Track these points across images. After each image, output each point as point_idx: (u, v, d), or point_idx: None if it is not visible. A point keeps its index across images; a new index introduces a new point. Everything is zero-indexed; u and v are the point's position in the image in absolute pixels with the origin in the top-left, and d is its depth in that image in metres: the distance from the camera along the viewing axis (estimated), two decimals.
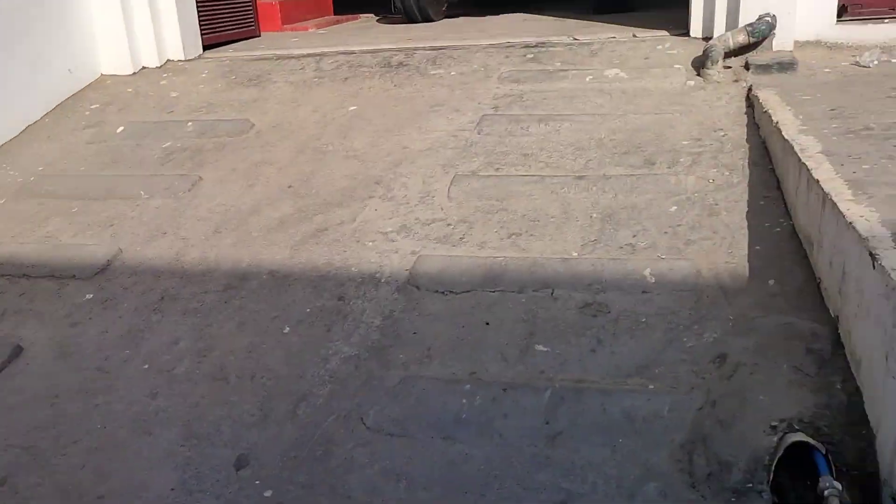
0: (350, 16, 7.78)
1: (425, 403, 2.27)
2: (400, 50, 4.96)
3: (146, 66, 5.18)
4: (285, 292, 2.83)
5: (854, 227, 1.98)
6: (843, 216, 2.07)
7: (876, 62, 3.81)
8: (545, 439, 2.11)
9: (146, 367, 2.56)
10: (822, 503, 1.74)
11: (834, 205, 2.18)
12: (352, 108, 4.27)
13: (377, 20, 7.56)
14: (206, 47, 5.56)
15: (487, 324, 2.56)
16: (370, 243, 3.06)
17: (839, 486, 1.75)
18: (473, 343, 2.48)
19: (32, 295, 3.02)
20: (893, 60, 3.87)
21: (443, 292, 2.73)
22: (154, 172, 3.87)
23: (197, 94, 4.72)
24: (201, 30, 5.53)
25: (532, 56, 4.64)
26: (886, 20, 4.20)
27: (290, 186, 3.55)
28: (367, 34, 6.20)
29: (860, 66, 3.84)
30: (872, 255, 1.82)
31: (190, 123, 4.29)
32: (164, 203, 3.55)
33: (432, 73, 4.60)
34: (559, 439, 2.11)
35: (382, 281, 2.83)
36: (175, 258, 3.13)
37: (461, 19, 6.86)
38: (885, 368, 1.73)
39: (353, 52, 5.00)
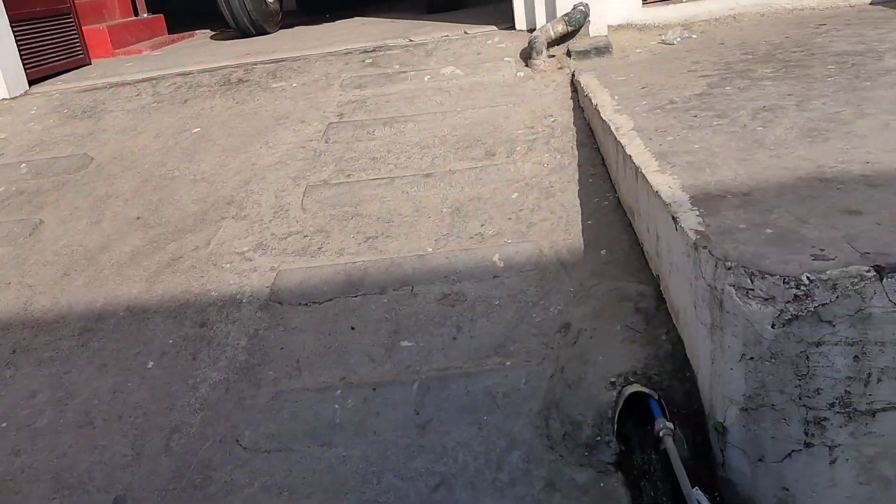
0: (185, 34, 7.57)
1: (299, 415, 2.33)
2: (239, 66, 4.92)
3: None
4: (145, 327, 2.80)
5: (659, 195, 2.23)
6: (651, 186, 2.32)
7: (679, 39, 4.20)
8: (417, 429, 2.24)
9: (4, 425, 2.46)
10: (659, 443, 1.96)
11: (644, 176, 2.42)
12: (195, 130, 4.21)
13: (212, 37, 7.40)
14: (32, 82, 5.28)
15: (353, 328, 2.65)
16: (228, 265, 3.06)
17: (671, 425, 1.98)
18: (341, 349, 2.57)
19: None
20: (693, 36, 4.28)
21: (306, 304, 2.79)
22: None
23: (28, 133, 4.49)
24: (25, 64, 5.24)
25: (371, 61, 4.75)
26: (685, 0, 4.63)
27: (138, 218, 3.48)
28: (204, 52, 6.08)
29: (666, 43, 4.22)
30: (674, 219, 2.06)
31: (23, 165, 4.08)
32: (3, 252, 3.38)
33: (274, 86, 4.61)
34: (430, 426, 2.24)
35: (244, 301, 2.85)
36: (23, 308, 3.00)
37: (297, 29, 6.84)
38: (695, 316, 1.98)
39: (190, 73, 4.91)
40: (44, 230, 3.51)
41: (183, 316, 2.82)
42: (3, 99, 5.00)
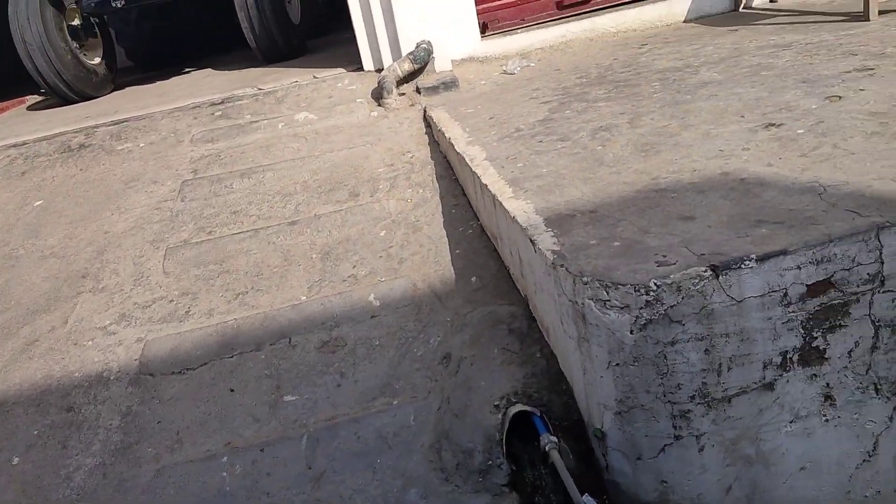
0: (14, 100, 7.09)
1: (185, 489, 2.24)
2: (79, 130, 4.68)
3: None
4: (6, 420, 2.60)
5: (516, 220, 2.35)
6: (508, 212, 2.43)
7: (519, 69, 4.44)
8: (311, 483, 2.21)
9: None
10: (547, 457, 2.05)
11: (501, 203, 2.54)
12: (37, 203, 3.97)
13: (46, 101, 6.96)
14: None
15: (232, 390, 2.58)
16: (90, 342, 2.90)
17: (555, 438, 2.07)
18: (222, 413, 2.49)
19: None
20: (532, 64, 4.53)
21: (180, 371, 2.70)
22: None
23: None
24: None
25: (220, 113, 4.67)
26: (520, 31, 4.90)
27: None
28: (39, 118, 5.72)
29: (507, 73, 4.44)
30: (532, 241, 2.18)
31: None
32: None
33: (119, 148, 4.43)
34: (324, 478, 2.22)
35: (112, 378, 2.71)
36: None
37: (136, 88, 6.40)
38: (563, 331, 2.09)
39: (25, 143, 4.62)
40: None
41: (46, 403, 2.64)
42: None
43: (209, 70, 6.52)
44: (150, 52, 7.68)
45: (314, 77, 4.96)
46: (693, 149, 2.62)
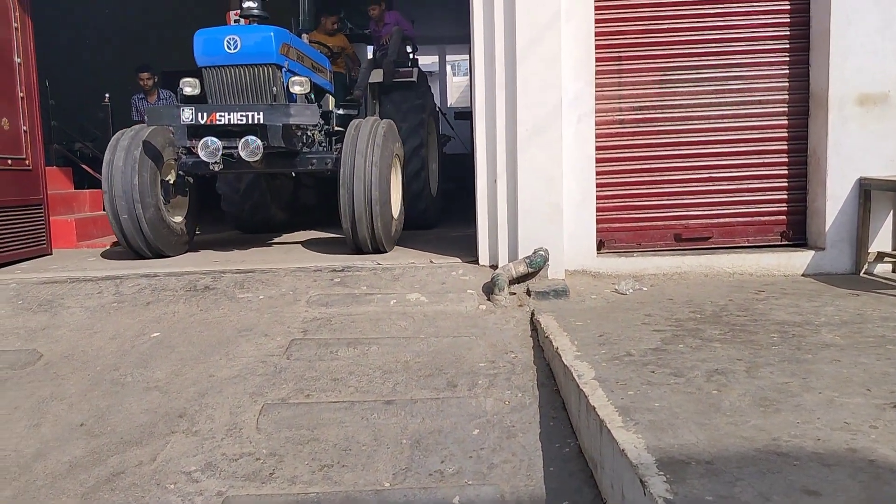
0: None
1: None
2: (207, 273, 5.01)
3: None
4: None
5: (626, 455, 2.28)
6: (617, 443, 2.37)
7: (631, 290, 4.51)
8: None
9: None
10: None
11: (608, 431, 2.49)
12: (154, 334, 4.18)
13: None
14: None
15: None
16: (172, 485, 2.91)
17: None
18: None
19: None
20: (644, 289, 4.60)
21: None
22: None
23: None
24: None
25: (339, 280, 4.91)
26: (636, 254, 5.04)
27: (82, 424, 3.33)
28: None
29: (619, 293, 4.52)
30: (643, 483, 2.10)
31: None
32: None
33: (240, 296, 4.68)
34: None
35: None
36: None
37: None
38: None
39: (156, 275, 4.97)
40: None
41: None
42: None
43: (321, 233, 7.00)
44: (252, 220, 7.46)
45: (431, 261, 5.20)
46: (815, 414, 2.53)
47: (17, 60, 5.81)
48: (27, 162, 5.91)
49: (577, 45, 4.82)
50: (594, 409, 2.70)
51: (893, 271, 4.86)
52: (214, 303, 4.59)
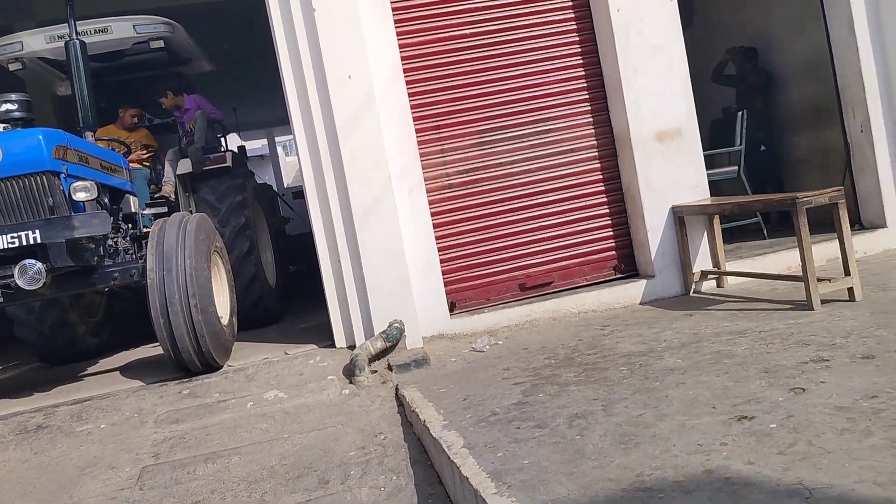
0: None
1: None
2: (37, 410, 4.53)
3: None
4: None
5: None
6: None
7: (488, 346, 4.59)
8: None
9: None
10: None
11: (483, 500, 2.47)
12: None
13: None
14: None
15: None
16: None
17: None
18: None
19: None
20: (500, 343, 4.69)
21: None
22: None
23: None
24: None
25: (188, 391, 4.61)
26: (486, 310, 5.16)
27: None
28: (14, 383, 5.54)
29: (476, 350, 4.58)
30: None
31: None
32: None
33: (79, 430, 4.26)
34: None
35: None
36: None
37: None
38: None
39: None
40: None
41: None
42: None
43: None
44: (55, 346, 6.24)
45: (285, 353, 5.03)
46: (671, 442, 2.65)
47: None
48: None
49: (396, 121, 4.95)
50: (467, 479, 2.68)
51: (718, 286, 5.28)
52: (50, 442, 4.16)
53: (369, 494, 3.31)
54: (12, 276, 4.29)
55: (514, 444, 2.92)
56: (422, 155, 5.09)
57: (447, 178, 5.23)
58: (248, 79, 10.53)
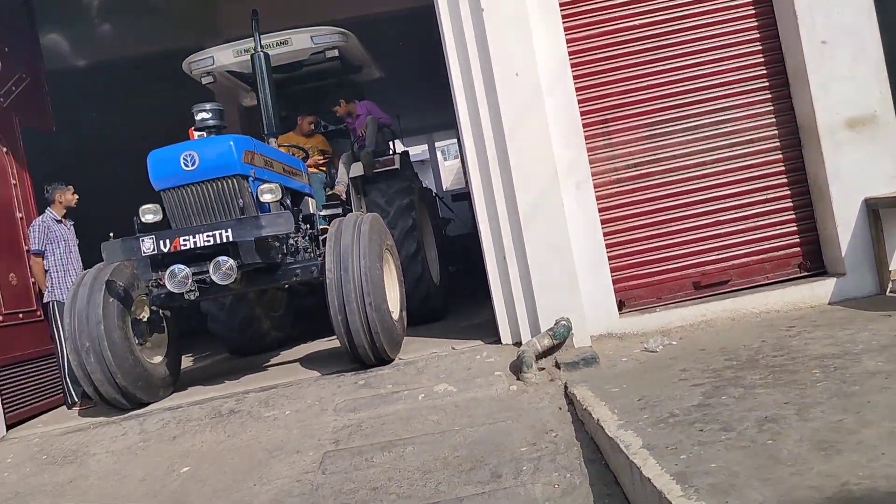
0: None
1: None
2: (230, 396, 4.93)
3: None
4: None
5: None
6: None
7: (661, 347, 4.41)
8: None
9: None
10: None
11: (669, 503, 2.36)
12: (184, 469, 4.07)
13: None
14: (10, 426, 5.17)
15: None
16: None
17: None
18: None
19: None
20: (674, 343, 4.50)
21: None
22: None
23: (1, 485, 4.27)
24: (4, 409, 5.17)
25: (363, 381, 4.81)
26: (658, 309, 4.96)
27: None
28: (212, 371, 6.08)
29: (649, 351, 4.41)
30: None
31: None
32: None
33: (266, 415, 4.58)
34: None
35: None
36: None
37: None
38: None
39: (179, 406, 4.89)
40: None
41: None
42: None
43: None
44: (242, 338, 6.89)
45: (452, 348, 5.12)
46: (880, 450, 2.40)
47: (19, 216, 5.92)
48: (38, 313, 5.92)
49: (563, 115, 4.89)
50: (649, 480, 2.57)
51: None
52: (241, 426, 4.49)
53: (543, 491, 3.27)
54: (207, 271, 4.65)
55: (698, 446, 2.77)
56: (589, 149, 5.00)
57: (616, 172, 5.10)
58: (410, 86, 10.87)
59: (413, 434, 4.02)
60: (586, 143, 4.99)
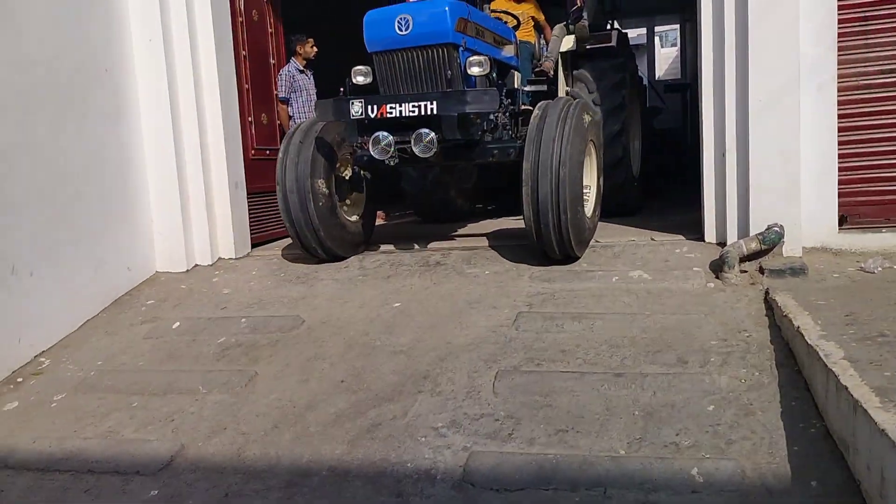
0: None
1: None
2: (437, 250, 5.38)
3: (199, 263, 5.60)
4: (345, 489, 2.96)
5: (887, 434, 2.18)
6: (876, 423, 2.27)
7: (880, 269, 4.16)
8: None
9: None
10: None
11: (865, 412, 2.38)
12: (396, 304, 4.59)
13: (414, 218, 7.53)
14: (253, 245, 6.01)
15: None
16: (423, 438, 3.22)
17: None
18: None
19: (98, 491, 3.14)
20: (895, 267, 4.22)
21: (497, 490, 2.85)
22: (210, 368, 4.10)
23: (248, 291, 5.07)
24: (251, 229, 6.01)
25: None
26: (884, 230, 4.63)
27: (342, 381, 3.77)
28: (404, 232, 6.63)
29: (865, 271, 4.19)
30: None
31: (244, 320, 4.59)
32: (222, 398, 3.75)
33: (468, 271, 4.97)
34: None
35: (438, 478, 2.96)
36: (236, 454, 3.27)
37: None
38: None
39: (393, 252, 5.42)
40: (258, 382, 3.87)
41: (380, 483, 2.96)
42: (230, 258, 5.72)
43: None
44: (430, 202, 7.06)
45: (651, 239, 5.15)
46: None
47: (273, 62, 6.58)
48: None
49: (817, 8, 4.50)
50: (846, 388, 2.59)
51: None
52: (445, 277, 4.93)
53: (728, 383, 3.37)
54: (409, 141, 4.67)
55: None
56: (840, 48, 4.58)
57: (866, 77, 4.65)
58: None
59: (604, 311, 4.21)
60: (838, 42, 4.56)
